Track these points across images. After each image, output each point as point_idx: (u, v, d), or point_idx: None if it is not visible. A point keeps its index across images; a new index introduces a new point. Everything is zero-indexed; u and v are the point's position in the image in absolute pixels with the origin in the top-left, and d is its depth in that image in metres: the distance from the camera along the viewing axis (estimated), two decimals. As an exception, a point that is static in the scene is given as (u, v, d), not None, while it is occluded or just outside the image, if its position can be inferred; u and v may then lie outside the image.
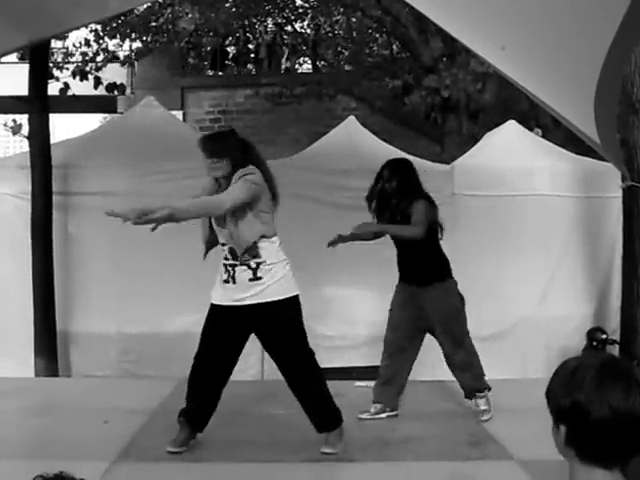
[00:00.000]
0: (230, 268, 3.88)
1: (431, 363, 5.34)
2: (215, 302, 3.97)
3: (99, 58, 11.77)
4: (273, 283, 3.85)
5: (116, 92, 11.37)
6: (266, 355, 5.77)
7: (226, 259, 3.92)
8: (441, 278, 4.65)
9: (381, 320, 4.87)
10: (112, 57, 12.47)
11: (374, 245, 4.85)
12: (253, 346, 6.56)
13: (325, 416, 3.98)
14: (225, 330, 3.92)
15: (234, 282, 3.87)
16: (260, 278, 3.84)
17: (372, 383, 5.13)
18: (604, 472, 1.54)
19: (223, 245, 3.95)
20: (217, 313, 3.95)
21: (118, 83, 11.20)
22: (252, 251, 3.84)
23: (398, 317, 4.64)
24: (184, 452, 3.92)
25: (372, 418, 4.57)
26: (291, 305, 3.91)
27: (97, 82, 10.66)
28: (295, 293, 3.92)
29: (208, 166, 3.94)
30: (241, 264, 3.85)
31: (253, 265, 3.84)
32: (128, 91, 14.05)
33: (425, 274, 4.63)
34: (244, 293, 3.85)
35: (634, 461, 2.10)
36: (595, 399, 1.49)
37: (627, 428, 1.50)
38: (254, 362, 6.13)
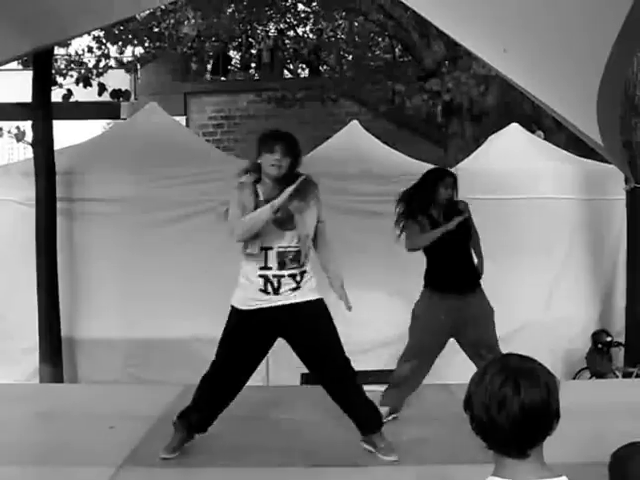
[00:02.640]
0: (274, 279, 3.73)
1: (436, 366, 5.33)
2: (243, 307, 3.78)
3: (101, 64, 11.79)
4: (309, 288, 3.82)
5: (123, 99, 11.38)
6: (270, 361, 5.78)
7: (267, 268, 3.72)
8: (479, 284, 4.66)
9: (390, 323, 4.85)
10: (115, 64, 12.49)
11: (383, 248, 4.84)
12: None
13: (372, 414, 3.96)
14: (252, 337, 3.77)
15: (276, 293, 3.72)
16: (300, 288, 3.77)
17: (380, 387, 5.11)
18: (512, 460, 1.63)
19: (267, 250, 3.73)
20: (245, 319, 3.78)
21: (123, 90, 11.22)
22: (302, 259, 3.77)
23: (433, 323, 4.51)
24: (190, 458, 3.92)
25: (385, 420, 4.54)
26: (324, 305, 3.88)
27: (102, 89, 10.68)
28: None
29: (275, 163, 3.72)
30: (288, 275, 3.73)
31: (298, 278, 3.76)
32: (132, 97, 14.08)
33: (468, 281, 4.61)
34: (282, 300, 3.75)
35: (635, 461, 2.12)
36: (476, 391, 1.64)
37: (501, 421, 1.59)
38: (259, 368, 6.13)
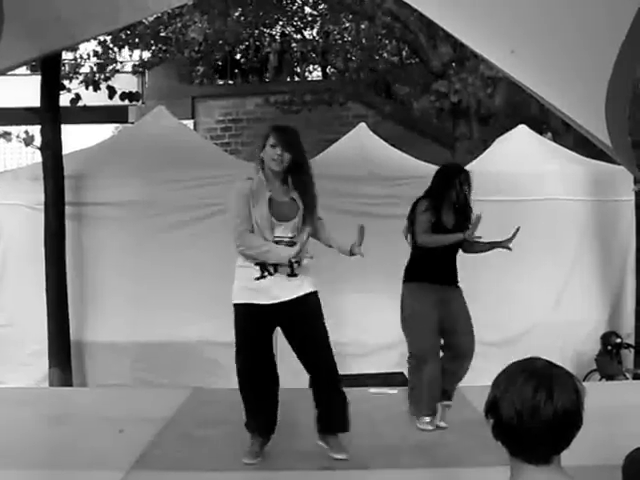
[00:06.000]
0: (271, 267, 3.82)
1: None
2: (248, 302, 3.85)
3: (109, 69, 11.82)
4: (308, 280, 3.91)
5: (133, 101, 11.40)
6: (278, 363, 5.77)
7: None
8: (459, 285, 4.68)
9: (396, 326, 4.82)
10: (123, 68, 12.53)
11: (391, 251, 4.82)
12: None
13: (345, 416, 3.96)
14: (261, 328, 3.87)
15: (271, 274, 3.82)
16: (296, 275, 3.86)
17: (388, 390, 5.11)
18: (533, 467, 1.62)
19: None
20: (251, 311, 3.84)
21: (133, 92, 11.24)
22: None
23: (431, 323, 4.50)
24: (199, 461, 3.93)
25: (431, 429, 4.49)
26: (318, 299, 3.95)
27: (111, 92, 10.71)
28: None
29: (272, 157, 3.83)
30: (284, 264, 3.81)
31: (295, 265, 3.84)
32: (140, 101, 14.10)
33: (456, 272, 4.65)
34: (281, 291, 3.83)
35: (633, 461, 2.11)
36: (505, 396, 1.61)
37: (534, 426, 1.58)
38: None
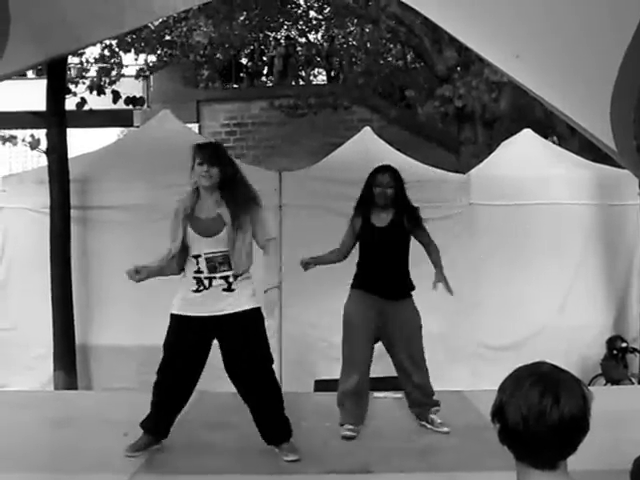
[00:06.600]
0: (206, 281, 3.90)
1: (444, 372, 5.31)
2: (183, 313, 3.97)
3: (114, 72, 11.85)
4: (245, 294, 3.94)
5: (137, 106, 11.43)
6: (284, 368, 5.77)
7: (200, 272, 3.92)
8: (408, 294, 4.55)
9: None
10: (128, 72, 12.55)
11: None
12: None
13: (281, 428, 4.02)
14: (194, 341, 3.95)
15: (207, 289, 3.90)
16: (233, 290, 3.90)
17: (392, 394, 5.09)
18: (539, 472, 1.61)
19: (197, 257, 3.92)
20: (185, 324, 3.95)
21: (137, 96, 11.26)
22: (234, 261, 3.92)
23: (365, 331, 4.43)
24: (202, 464, 3.92)
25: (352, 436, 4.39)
26: (260, 315, 4.00)
27: (116, 96, 10.74)
28: (260, 306, 4.03)
29: (200, 174, 3.97)
30: (220, 277, 3.88)
31: (231, 279, 3.90)
32: (145, 105, 14.12)
33: (401, 286, 4.52)
34: (217, 303, 3.89)
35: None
36: (511, 401, 1.61)
37: (540, 431, 1.57)
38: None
